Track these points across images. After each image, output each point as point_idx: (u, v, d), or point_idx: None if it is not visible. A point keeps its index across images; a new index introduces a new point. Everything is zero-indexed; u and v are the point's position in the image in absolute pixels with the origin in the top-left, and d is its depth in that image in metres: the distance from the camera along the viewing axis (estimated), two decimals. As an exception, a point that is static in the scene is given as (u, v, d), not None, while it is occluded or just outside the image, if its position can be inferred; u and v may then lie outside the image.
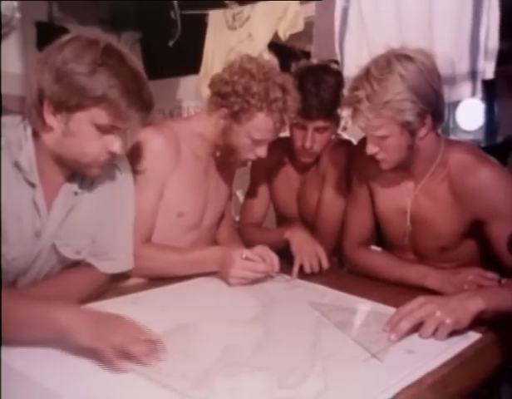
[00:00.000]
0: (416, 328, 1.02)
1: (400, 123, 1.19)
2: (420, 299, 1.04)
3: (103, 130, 1.03)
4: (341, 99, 1.51)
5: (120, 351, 0.83)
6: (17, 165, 1.04)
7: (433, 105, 1.21)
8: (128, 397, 0.81)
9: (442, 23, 1.43)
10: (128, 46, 3.34)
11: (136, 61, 1.07)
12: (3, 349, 0.86)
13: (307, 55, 2.81)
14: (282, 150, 1.77)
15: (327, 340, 1.02)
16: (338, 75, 1.60)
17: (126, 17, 3.00)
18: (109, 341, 0.84)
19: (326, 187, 1.66)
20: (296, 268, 1.43)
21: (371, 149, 1.27)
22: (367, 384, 0.85)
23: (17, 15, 2.09)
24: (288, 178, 1.76)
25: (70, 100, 0.99)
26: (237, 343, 0.99)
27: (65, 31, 2.94)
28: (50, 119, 1.02)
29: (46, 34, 2.83)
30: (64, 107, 1.00)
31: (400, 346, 0.98)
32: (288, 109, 1.36)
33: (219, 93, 1.38)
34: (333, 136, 1.65)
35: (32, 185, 1.07)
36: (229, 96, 1.35)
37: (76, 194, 1.14)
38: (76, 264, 1.21)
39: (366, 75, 1.19)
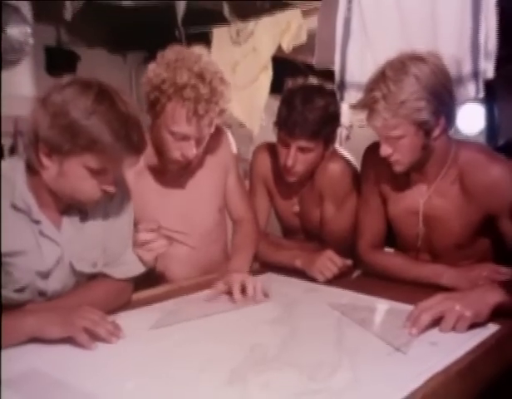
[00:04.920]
0: (437, 322, 1.05)
1: (416, 122, 1.22)
2: (439, 296, 1.07)
3: (95, 172, 1.06)
4: (332, 121, 1.51)
5: (88, 333, 1.00)
6: (14, 207, 1.08)
7: (446, 106, 1.25)
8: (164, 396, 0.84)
9: (445, 27, 1.50)
10: (134, 67, 3.44)
11: (127, 102, 1.08)
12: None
13: (310, 67, 2.88)
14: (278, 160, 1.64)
15: (350, 337, 1.05)
16: (331, 96, 1.55)
17: (131, 38, 3.07)
18: (77, 326, 1.00)
19: (326, 205, 1.61)
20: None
21: (385, 150, 1.29)
22: (395, 375, 0.88)
23: (30, 40, 2.15)
24: (287, 193, 1.70)
25: (63, 146, 1.02)
26: (264, 342, 1.02)
27: (73, 54, 3.03)
28: (45, 160, 1.05)
29: (55, 58, 2.91)
30: (57, 151, 1.03)
31: (422, 339, 1.01)
32: (200, 98, 1.26)
33: (142, 83, 1.34)
34: (327, 154, 1.57)
35: (37, 222, 1.10)
36: (146, 85, 1.32)
37: (80, 215, 1.18)
38: (90, 279, 1.22)
39: (381, 76, 1.23)
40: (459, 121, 4.16)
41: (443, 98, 1.24)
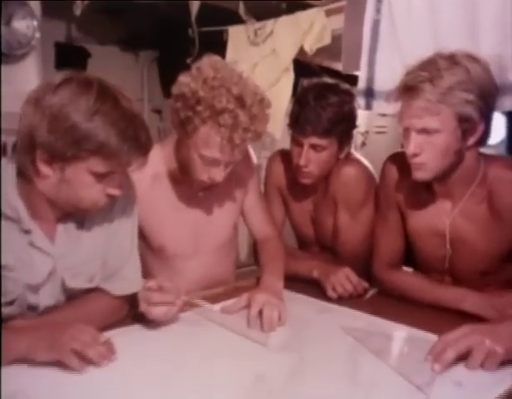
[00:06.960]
0: (461, 358, 0.95)
1: (459, 116, 1.11)
2: (466, 327, 0.97)
3: (101, 176, 0.97)
4: (347, 119, 1.45)
5: (78, 355, 0.91)
6: (3, 216, 0.99)
7: (490, 110, 1.15)
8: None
9: (485, 30, 1.36)
10: (146, 65, 3.39)
11: (130, 99, 0.99)
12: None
13: (326, 70, 2.80)
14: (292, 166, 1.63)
15: (365, 369, 0.96)
16: (348, 95, 1.48)
17: (144, 36, 3.03)
18: (66, 349, 0.91)
19: (340, 212, 1.54)
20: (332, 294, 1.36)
21: (413, 148, 1.16)
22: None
23: (37, 34, 2.09)
24: (301, 199, 1.65)
25: (66, 151, 0.92)
26: (269, 372, 0.94)
27: (83, 51, 2.99)
28: (44, 168, 0.95)
29: (64, 54, 2.87)
30: (59, 157, 0.94)
31: (446, 377, 0.92)
32: (238, 126, 1.14)
33: (172, 95, 1.22)
34: (342, 156, 1.50)
35: (27, 232, 1.01)
36: (177, 100, 1.19)
37: (76, 224, 1.09)
38: (86, 292, 1.13)
39: (431, 61, 1.13)
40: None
41: (489, 101, 1.14)
